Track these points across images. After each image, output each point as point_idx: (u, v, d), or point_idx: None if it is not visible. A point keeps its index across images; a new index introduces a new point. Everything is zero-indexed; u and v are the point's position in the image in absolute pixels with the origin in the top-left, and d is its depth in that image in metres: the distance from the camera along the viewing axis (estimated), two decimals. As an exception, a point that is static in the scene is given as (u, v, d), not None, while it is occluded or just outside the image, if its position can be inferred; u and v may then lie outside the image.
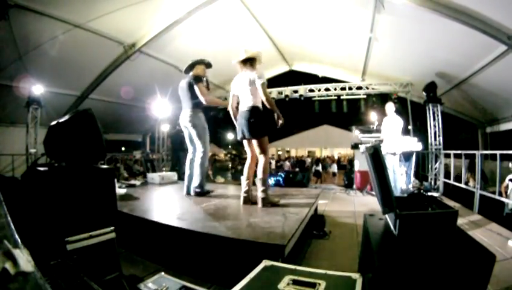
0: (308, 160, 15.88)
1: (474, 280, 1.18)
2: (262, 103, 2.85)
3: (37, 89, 5.87)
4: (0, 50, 4.96)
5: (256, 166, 2.93)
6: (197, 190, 3.37)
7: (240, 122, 2.89)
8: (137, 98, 8.22)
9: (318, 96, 8.52)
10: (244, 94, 2.87)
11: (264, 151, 2.88)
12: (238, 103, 3.01)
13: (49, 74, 5.91)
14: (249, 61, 2.89)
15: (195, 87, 3.27)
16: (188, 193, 3.44)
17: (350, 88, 8.16)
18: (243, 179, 2.97)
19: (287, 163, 12.42)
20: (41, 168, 2.17)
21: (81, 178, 2.16)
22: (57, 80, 6.33)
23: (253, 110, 2.83)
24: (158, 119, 8.86)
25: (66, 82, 6.61)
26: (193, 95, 3.34)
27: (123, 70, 6.54)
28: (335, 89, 8.28)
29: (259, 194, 2.79)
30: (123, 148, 12.89)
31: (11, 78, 5.65)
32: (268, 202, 2.79)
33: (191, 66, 3.44)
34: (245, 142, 2.99)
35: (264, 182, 2.81)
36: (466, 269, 1.20)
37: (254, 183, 2.95)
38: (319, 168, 12.42)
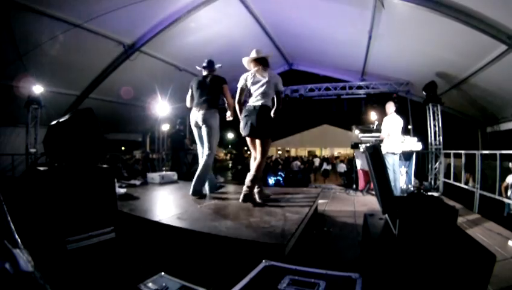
0: (317, 160, 15.85)
1: (474, 279, 1.18)
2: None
3: (37, 89, 5.86)
4: (1, 50, 4.96)
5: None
6: (194, 190, 3.29)
7: (250, 119, 2.85)
8: (137, 98, 8.21)
9: (318, 96, 8.52)
10: (259, 92, 2.87)
11: (264, 153, 2.92)
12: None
13: (49, 73, 5.90)
14: (264, 62, 2.96)
15: (224, 87, 3.31)
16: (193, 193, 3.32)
17: (350, 88, 8.15)
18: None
19: (298, 163, 12.40)
20: (41, 168, 2.17)
21: (81, 178, 2.16)
22: (56, 80, 6.31)
23: (267, 109, 2.88)
24: (158, 118, 8.84)
25: (66, 82, 6.60)
26: (214, 94, 3.29)
27: (123, 70, 6.52)
28: (335, 89, 8.28)
29: (256, 190, 2.91)
30: (123, 148, 12.90)
31: (11, 78, 5.64)
32: (264, 196, 2.96)
33: (212, 65, 3.46)
34: (248, 140, 2.99)
35: (255, 179, 2.87)
36: (466, 269, 1.20)
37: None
38: (329, 167, 12.41)
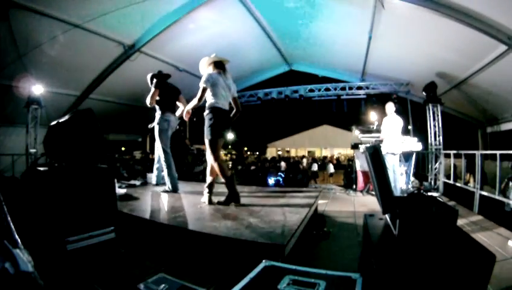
0: (305, 161, 15.53)
1: (474, 280, 1.18)
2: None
3: (37, 89, 5.86)
4: (0, 50, 4.96)
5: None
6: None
7: (228, 122, 2.98)
8: (138, 98, 8.21)
9: (318, 96, 8.52)
10: (227, 95, 2.96)
11: None
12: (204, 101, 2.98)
13: (49, 73, 5.90)
14: (223, 67, 2.99)
15: (181, 98, 3.81)
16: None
17: (350, 88, 8.15)
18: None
19: (283, 164, 12.33)
20: (41, 168, 2.17)
21: (81, 178, 2.16)
22: (57, 80, 6.32)
23: None
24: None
25: (66, 82, 6.60)
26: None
27: (123, 70, 6.53)
28: (335, 89, 8.28)
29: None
30: (123, 148, 12.90)
31: (11, 78, 5.64)
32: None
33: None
34: (221, 142, 2.97)
35: None
36: (466, 269, 1.20)
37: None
38: (315, 168, 12.33)
